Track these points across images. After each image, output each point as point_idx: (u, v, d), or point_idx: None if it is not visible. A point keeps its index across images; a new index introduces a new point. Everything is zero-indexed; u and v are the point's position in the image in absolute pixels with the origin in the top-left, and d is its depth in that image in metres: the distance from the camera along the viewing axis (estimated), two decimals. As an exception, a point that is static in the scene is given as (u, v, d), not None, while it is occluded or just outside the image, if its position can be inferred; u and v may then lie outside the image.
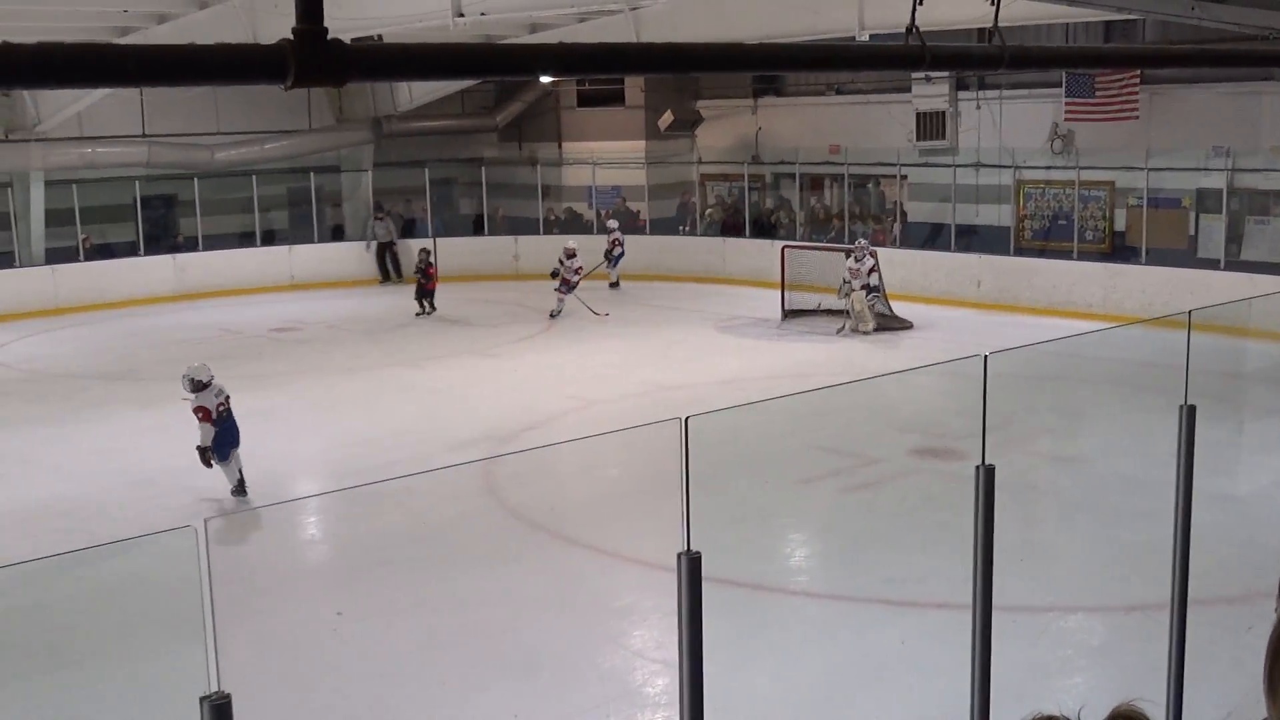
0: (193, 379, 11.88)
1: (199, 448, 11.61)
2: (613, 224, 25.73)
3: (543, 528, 10.95)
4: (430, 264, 22.58)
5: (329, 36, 4.46)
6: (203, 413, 11.63)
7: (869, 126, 25.46)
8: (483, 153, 30.05)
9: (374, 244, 26.78)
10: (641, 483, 11.21)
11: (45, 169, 24.52)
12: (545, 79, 25.44)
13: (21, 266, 24.36)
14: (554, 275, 22.04)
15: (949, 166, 23.64)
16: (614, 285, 24.94)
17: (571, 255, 22.04)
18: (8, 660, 8.19)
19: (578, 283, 22.09)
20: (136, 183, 25.41)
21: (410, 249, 25.92)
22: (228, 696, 3.79)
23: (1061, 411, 14.91)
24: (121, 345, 20.43)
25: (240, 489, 11.68)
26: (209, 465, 11.60)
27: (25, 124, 24.13)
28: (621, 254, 25.24)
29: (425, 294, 22.54)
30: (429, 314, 22.34)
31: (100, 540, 10.16)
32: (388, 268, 26.64)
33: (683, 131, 28.52)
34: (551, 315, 21.81)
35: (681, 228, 27.62)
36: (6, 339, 20.95)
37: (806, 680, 7.80)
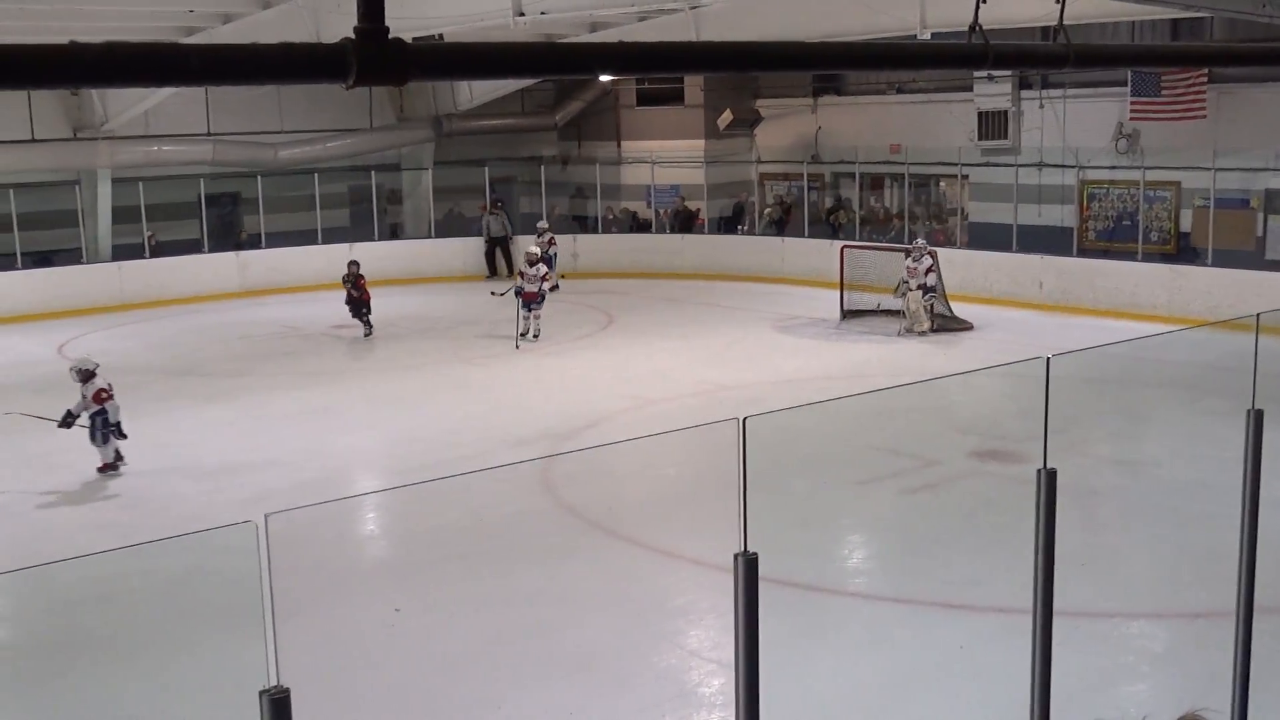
0: (80, 369, 13.17)
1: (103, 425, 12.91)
2: (543, 224, 24.94)
3: (599, 526, 10.96)
4: (360, 275, 20.73)
5: (390, 36, 4.48)
6: (105, 393, 12.91)
7: (930, 126, 25.28)
8: (542, 151, 30.15)
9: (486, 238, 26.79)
10: (699, 482, 11.19)
11: (112, 167, 24.89)
12: (605, 78, 25.56)
13: (89, 263, 24.75)
14: (517, 293, 19.68)
15: (1011, 166, 23.41)
16: (554, 288, 22.48)
17: (534, 262, 20.04)
18: (71, 651, 8.31)
19: (548, 291, 20.12)
20: (201, 180, 25.74)
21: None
22: (287, 691, 3.82)
23: (1125, 415, 14.71)
24: (185, 341, 20.70)
25: (114, 464, 12.91)
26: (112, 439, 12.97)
27: (93, 122, 24.51)
28: (555, 254, 24.49)
29: (360, 307, 20.57)
30: (368, 335, 20.45)
31: (163, 533, 10.30)
32: (496, 263, 26.67)
33: (742, 130, 28.47)
34: (528, 337, 19.57)
35: (740, 227, 27.57)
36: (74, 334, 21.28)
37: (863, 682, 7.75)
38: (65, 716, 7.51)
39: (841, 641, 8.45)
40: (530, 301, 19.59)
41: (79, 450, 13.75)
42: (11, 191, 23.20)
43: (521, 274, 19.97)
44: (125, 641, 8.45)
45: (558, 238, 25.44)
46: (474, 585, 9.43)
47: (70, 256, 24.71)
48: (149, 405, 15.99)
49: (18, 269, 23.50)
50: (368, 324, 20.50)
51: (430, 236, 28.10)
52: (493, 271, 26.57)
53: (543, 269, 20.13)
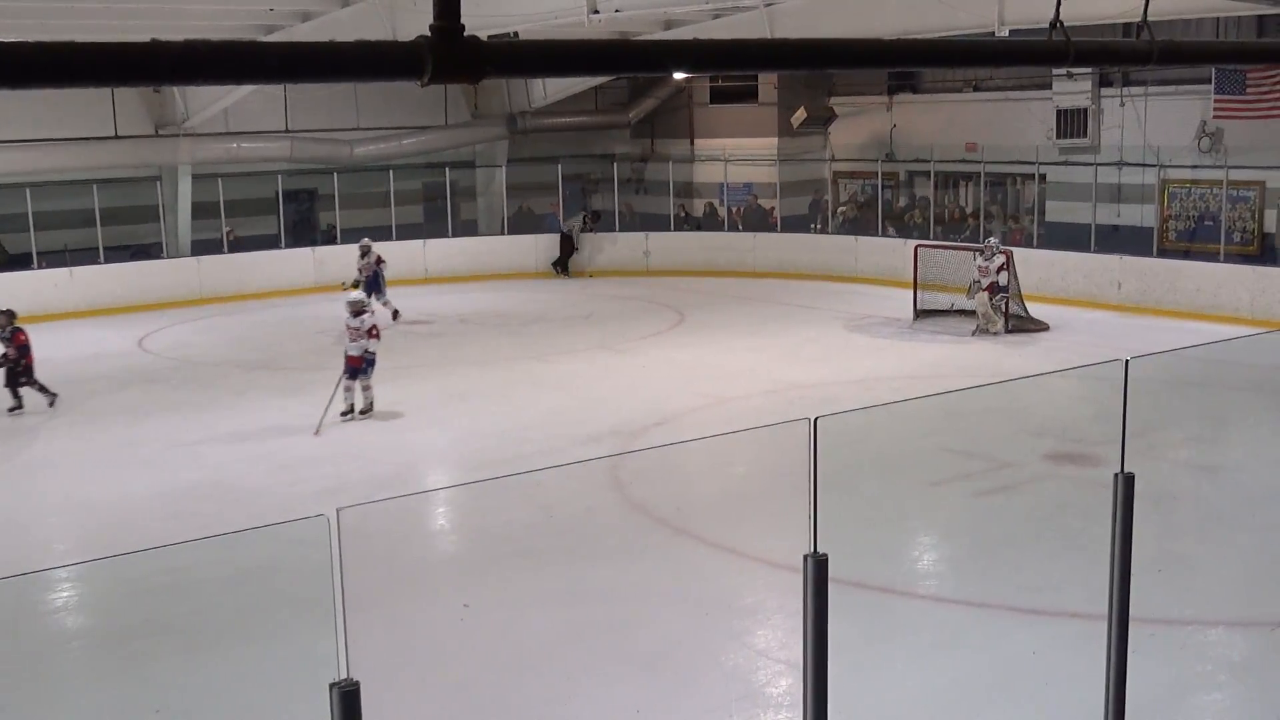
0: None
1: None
2: (366, 242, 21.75)
3: (668, 524, 10.95)
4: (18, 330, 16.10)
5: (465, 34, 4.50)
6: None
7: (1007, 124, 24.99)
8: (615, 149, 30.19)
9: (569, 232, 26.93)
10: (769, 482, 11.14)
11: (193, 163, 25.28)
12: (678, 76, 25.51)
13: (169, 257, 25.16)
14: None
15: (1090, 165, 23.07)
16: (396, 315, 21.13)
17: (358, 312, 15.11)
18: (147, 639, 8.45)
19: (373, 352, 15.05)
20: (279, 177, 26.08)
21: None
22: (357, 684, 3.85)
23: (1205, 419, 14.44)
24: (261, 335, 20.98)
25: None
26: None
27: (175, 119, 24.92)
28: (384, 272, 21.55)
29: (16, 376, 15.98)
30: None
31: (238, 524, 10.45)
32: (565, 262, 26.80)
33: (816, 128, 28.30)
34: (352, 416, 14.85)
35: (813, 225, 27.41)
36: (154, 327, 21.65)
37: (933, 687, 7.67)
38: (140, 703, 7.64)
39: (911, 645, 8.37)
40: (355, 369, 14.92)
41: (160, 442, 13.99)
42: (95, 187, 23.64)
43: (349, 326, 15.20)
44: (200, 631, 8.58)
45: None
46: (542, 581, 9.46)
47: (152, 251, 25.14)
48: (226, 398, 16.24)
49: (100, 263, 23.94)
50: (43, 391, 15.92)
51: (503, 233, 28.25)
52: (563, 269, 26.76)
53: (368, 320, 15.05)
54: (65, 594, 9.46)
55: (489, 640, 8.47)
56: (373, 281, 21.03)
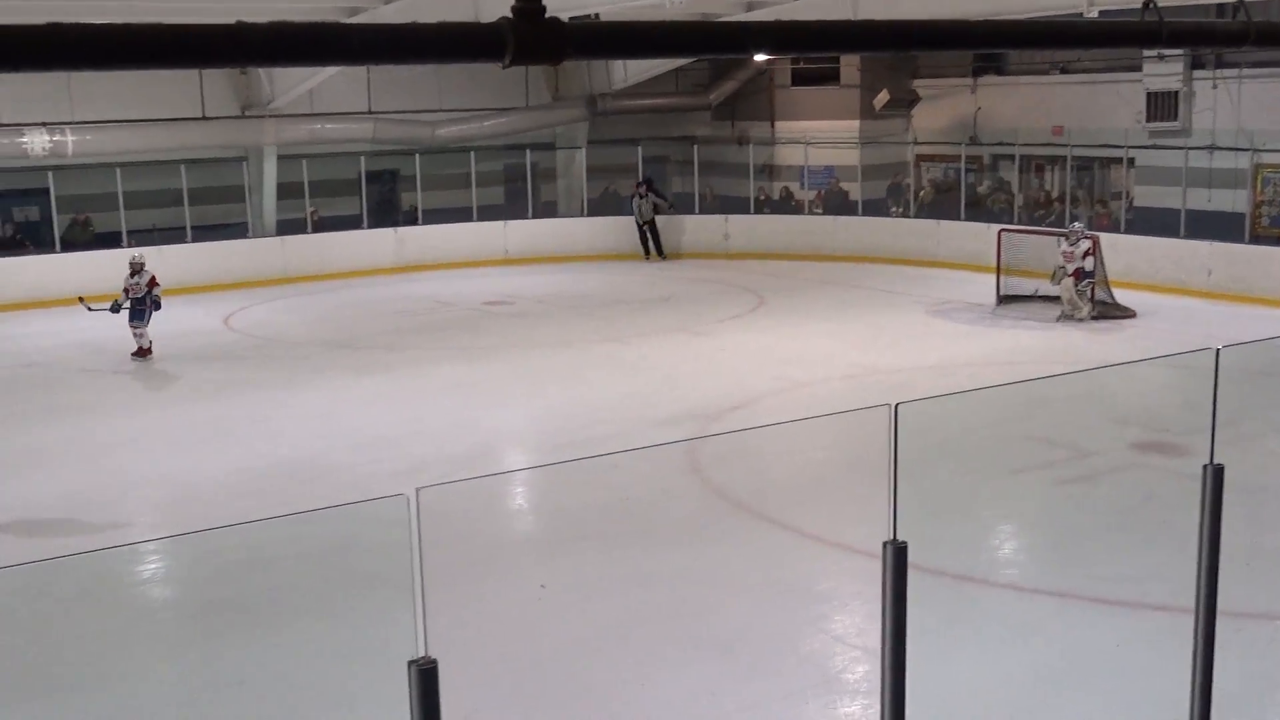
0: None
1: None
2: (139, 257, 18.00)
3: (745, 508, 10.92)
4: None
5: (547, 15, 4.50)
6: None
7: (1095, 107, 24.55)
8: (695, 131, 30.10)
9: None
10: (847, 467, 11.06)
11: (278, 144, 25.60)
12: (760, 57, 25.34)
13: (254, 237, 25.52)
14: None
15: (1181, 149, 22.58)
16: (144, 352, 17.54)
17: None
18: (229, 613, 8.59)
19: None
20: (362, 158, 26.33)
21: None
22: (434, 662, 3.87)
23: (1297, 409, 14.10)
24: (344, 315, 21.22)
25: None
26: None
27: (260, 101, 25.24)
28: (158, 297, 17.61)
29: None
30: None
31: (319, 501, 10.59)
32: (648, 245, 26.75)
33: (898, 111, 28.01)
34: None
35: (894, 209, 27.14)
36: (239, 305, 21.98)
37: (1012, 677, 7.57)
38: (223, 675, 7.76)
39: (989, 634, 8.27)
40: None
41: (242, 420, 14.21)
42: (183, 167, 24.02)
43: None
44: (280, 606, 8.70)
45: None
46: (618, 563, 9.48)
47: (237, 230, 25.51)
48: (308, 376, 16.44)
49: (187, 242, 24.34)
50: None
51: (583, 215, 28.30)
52: (646, 253, 26.65)
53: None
54: (151, 567, 9.64)
55: (564, 621, 8.50)
56: (139, 306, 17.35)
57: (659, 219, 26.80)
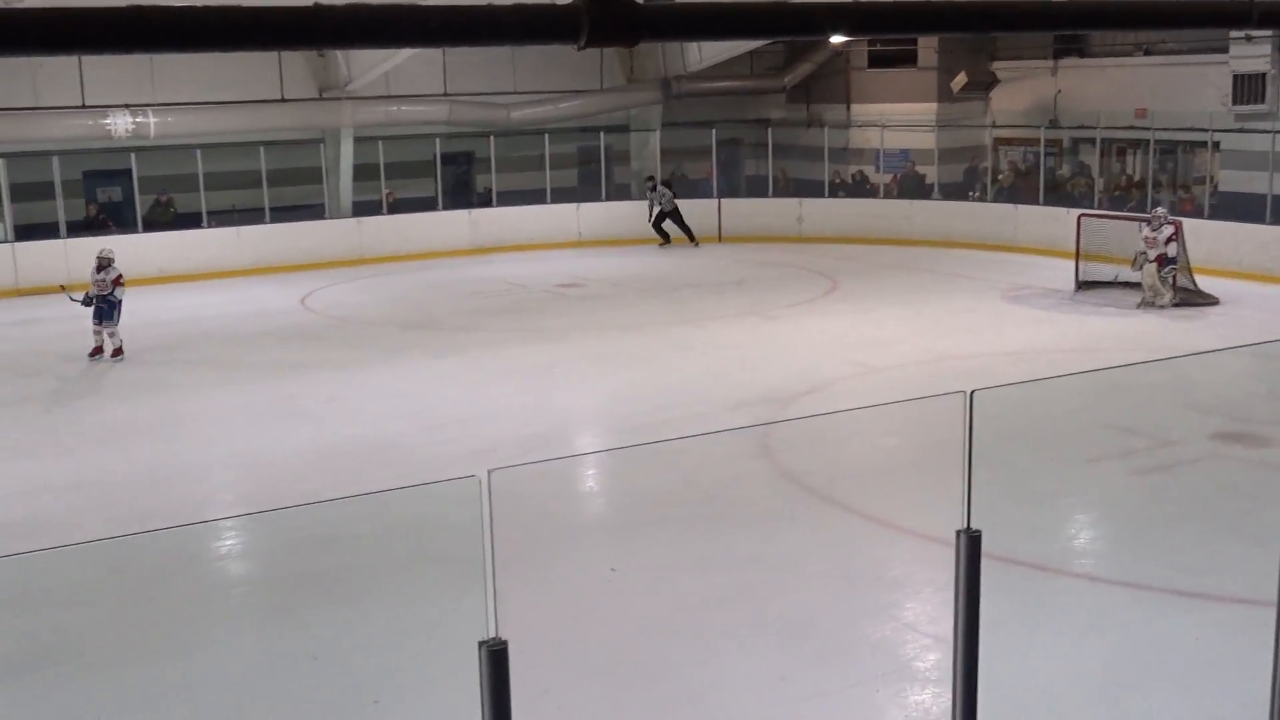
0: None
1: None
2: (107, 252, 16.83)
3: (816, 493, 10.87)
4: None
5: (623, -5, 4.47)
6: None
7: (1179, 89, 24.04)
8: (770, 114, 29.93)
9: (656, 211, 26.76)
10: (920, 453, 10.98)
11: (354, 126, 25.82)
12: (836, 39, 25.12)
13: (330, 219, 25.77)
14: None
15: (1268, 133, 22.07)
16: (116, 353, 16.55)
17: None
18: (298, 592, 8.70)
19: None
20: (437, 140, 26.48)
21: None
22: (505, 643, 3.89)
23: (1385, 400, 13.77)
24: (418, 296, 21.38)
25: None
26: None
27: (338, 83, 25.47)
28: (120, 301, 16.61)
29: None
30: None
31: (392, 480, 10.69)
32: (661, 231, 26.64)
33: (976, 93, 27.65)
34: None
35: (971, 193, 26.82)
36: (315, 286, 22.23)
37: (1087, 668, 7.47)
38: (298, 650, 7.87)
39: (1065, 624, 8.16)
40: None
41: (319, 399, 14.37)
42: (261, 149, 24.31)
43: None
44: (354, 584, 8.80)
45: None
46: (688, 547, 9.48)
47: (314, 211, 25.78)
48: (382, 356, 16.59)
49: (265, 223, 24.65)
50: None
51: (657, 198, 28.28)
52: (666, 239, 26.47)
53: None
54: (229, 542, 9.80)
55: (634, 603, 8.51)
56: (105, 304, 16.47)
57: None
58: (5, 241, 22.50)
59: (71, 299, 16.69)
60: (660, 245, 26.32)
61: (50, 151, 23.06)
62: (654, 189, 26.62)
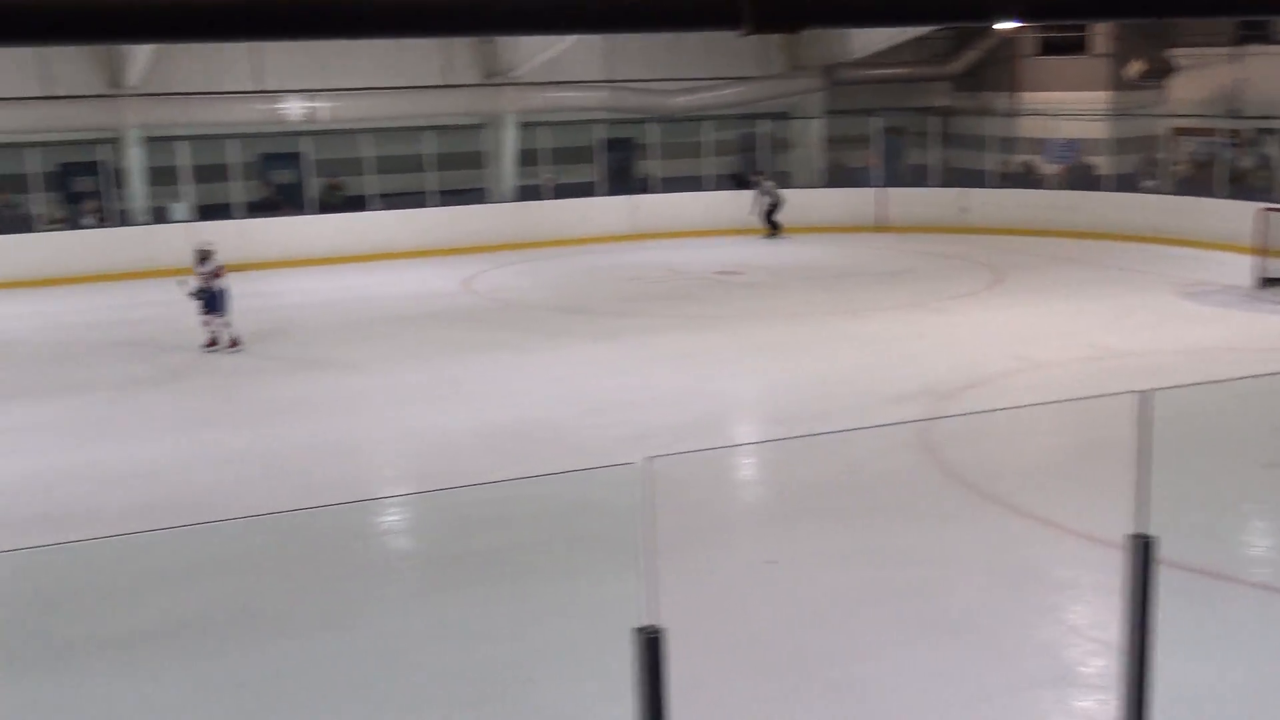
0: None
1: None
2: (206, 244, 16.99)
3: (978, 490, 10.64)
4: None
5: (796, -19, 4.42)
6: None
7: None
8: (935, 102, 29.40)
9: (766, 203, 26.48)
10: (1087, 452, 10.67)
11: (517, 111, 26.15)
12: (1004, 26, 24.54)
13: (493, 203, 26.16)
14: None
15: None
16: (235, 343, 16.56)
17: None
18: (458, 568, 8.85)
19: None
20: (598, 126, 26.67)
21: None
22: (660, 630, 3.88)
23: None
24: (578, 280, 21.56)
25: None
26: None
27: (502, 69, 25.81)
28: (224, 291, 16.59)
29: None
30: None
31: (550, 462, 10.80)
32: (773, 223, 26.38)
33: (1152, 82, 26.73)
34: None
35: (1146, 184, 25.95)
36: (478, 269, 22.59)
37: (1263, 681, 7.17)
38: (458, 626, 8.01)
39: (1239, 634, 7.84)
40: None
41: (480, 380, 14.60)
42: (428, 134, 24.80)
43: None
44: (511, 564, 8.91)
45: None
46: (846, 540, 9.37)
47: (476, 196, 26.19)
48: (542, 340, 16.78)
49: (429, 207, 25.14)
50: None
51: (817, 186, 28.02)
52: (775, 229, 26.12)
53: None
54: (393, 518, 10.03)
55: (791, 595, 8.45)
56: (209, 295, 16.58)
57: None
58: (187, 221, 23.38)
59: (178, 285, 16.63)
60: (768, 236, 26.03)
61: (227, 135, 23.89)
62: (760, 183, 26.39)
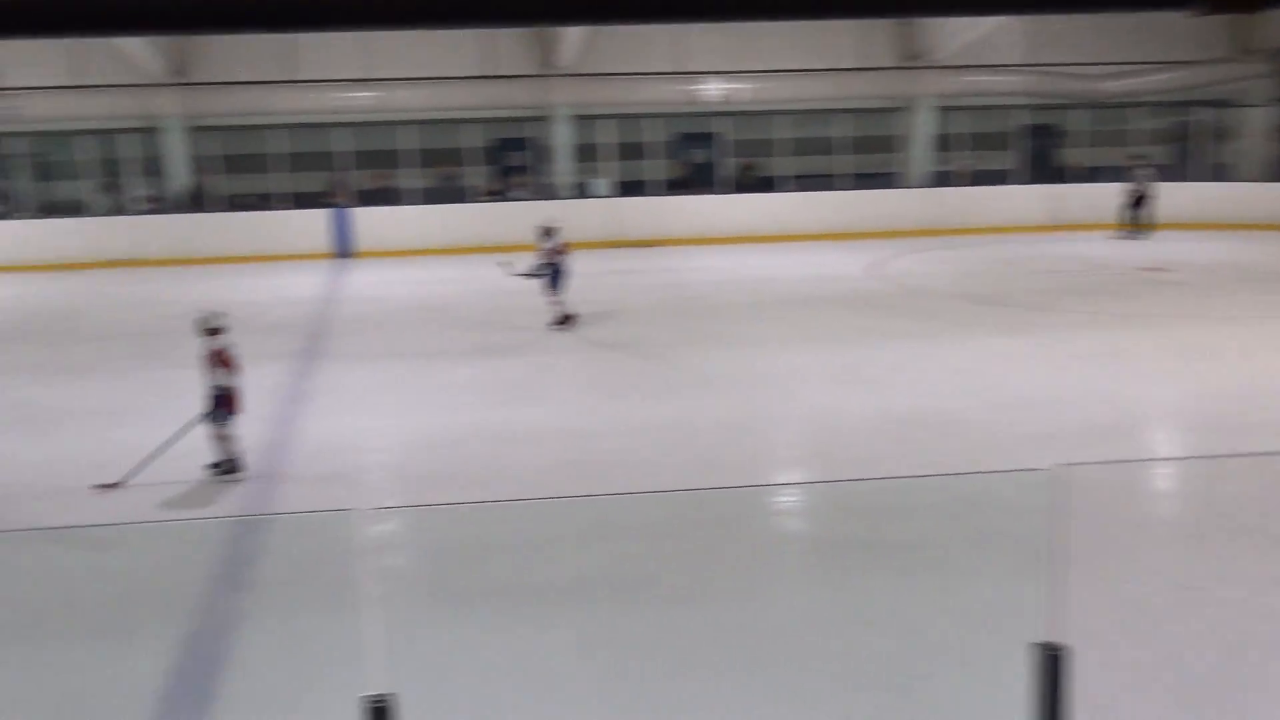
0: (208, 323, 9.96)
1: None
2: (551, 221, 17.30)
3: None
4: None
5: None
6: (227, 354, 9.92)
7: None
8: None
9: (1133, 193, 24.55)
10: None
11: (933, 95, 25.60)
12: None
13: (905, 187, 25.76)
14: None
15: None
16: (564, 321, 17.04)
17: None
18: (854, 556, 8.70)
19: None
20: (1019, 111, 25.73)
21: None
22: (1061, 647, 3.64)
23: None
24: (990, 270, 20.91)
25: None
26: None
27: (920, 52, 25.31)
28: (560, 267, 17.05)
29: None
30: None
31: (952, 455, 10.50)
32: (1135, 216, 24.32)
33: None
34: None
35: None
36: (885, 254, 22.30)
37: None
38: (852, 613, 7.88)
39: None
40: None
41: (882, 366, 14.39)
42: (842, 117, 24.72)
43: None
44: (908, 557, 8.68)
45: None
46: (1277, 565, 8.55)
47: (888, 180, 25.88)
48: (949, 329, 16.37)
49: (836, 190, 25.07)
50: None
51: (1262, 180, 25.92)
52: (1138, 225, 23.93)
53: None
54: (791, 499, 10.04)
55: (1213, 622, 7.79)
56: (550, 270, 17.06)
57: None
58: (606, 196, 24.35)
59: (499, 263, 17.06)
60: (1129, 233, 24.09)
61: (647, 115, 24.69)
62: (1136, 171, 24.41)
